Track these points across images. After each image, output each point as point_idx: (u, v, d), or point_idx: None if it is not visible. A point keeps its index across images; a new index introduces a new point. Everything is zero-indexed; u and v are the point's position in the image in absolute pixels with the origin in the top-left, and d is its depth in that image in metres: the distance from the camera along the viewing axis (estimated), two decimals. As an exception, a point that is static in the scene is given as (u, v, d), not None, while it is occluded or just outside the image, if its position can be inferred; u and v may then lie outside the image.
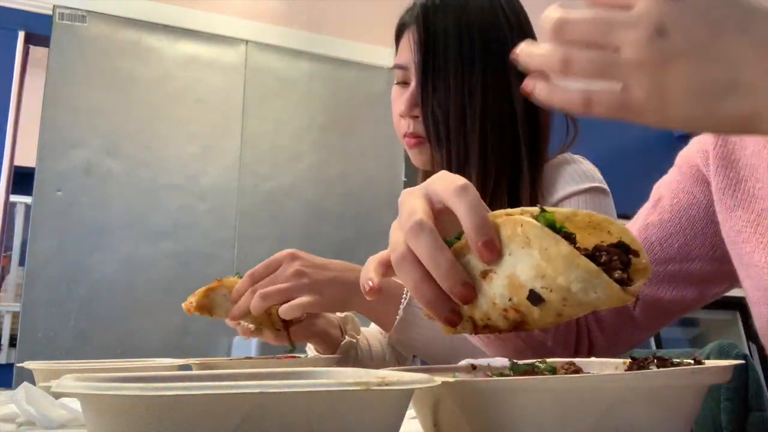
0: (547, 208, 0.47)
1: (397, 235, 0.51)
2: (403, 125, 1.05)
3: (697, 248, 0.83)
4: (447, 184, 0.50)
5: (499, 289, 0.46)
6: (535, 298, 0.44)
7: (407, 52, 1.03)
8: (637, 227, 0.86)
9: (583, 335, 0.83)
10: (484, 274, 0.47)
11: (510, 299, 0.45)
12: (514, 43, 0.48)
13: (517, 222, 0.45)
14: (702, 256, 0.82)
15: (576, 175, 0.99)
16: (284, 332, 1.04)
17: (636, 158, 4.08)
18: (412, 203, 0.51)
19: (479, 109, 0.99)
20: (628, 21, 0.43)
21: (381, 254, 0.53)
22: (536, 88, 0.48)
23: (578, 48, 0.45)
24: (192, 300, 0.99)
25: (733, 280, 0.79)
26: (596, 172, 1.01)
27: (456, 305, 0.48)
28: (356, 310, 1.04)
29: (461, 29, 1.00)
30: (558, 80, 0.47)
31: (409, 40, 1.03)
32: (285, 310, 0.95)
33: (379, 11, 3.52)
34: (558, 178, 1.00)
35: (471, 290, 0.47)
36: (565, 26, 0.46)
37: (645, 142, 4.19)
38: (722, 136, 0.78)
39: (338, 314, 1.14)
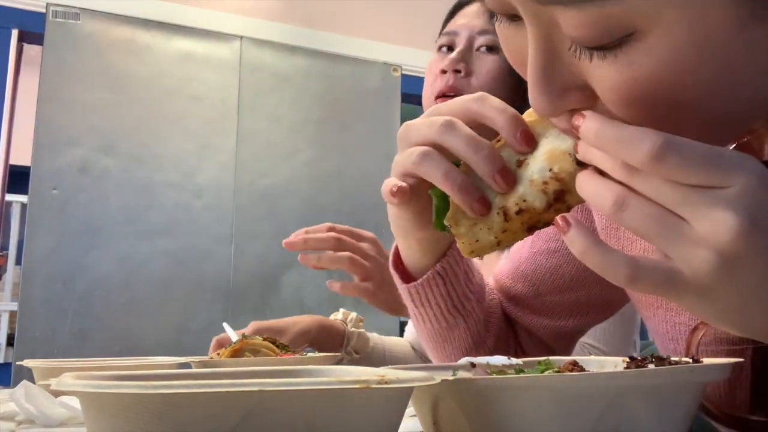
0: None
1: (407, 151, 0.50)
2: (440, 82, 1.08)
3: (591, 274, 0.78)
4: (462, 98, 0.50)
5: (537, 165, 0.46)
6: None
7: (468, 22, 1.10)
8: (525, 255, 0.83)
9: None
10: (519, 164, 0.48)
11: (550, 169, 0.45)
12: None
13: None
14: (598, 280, 0.79)
15: None
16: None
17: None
18: (423, 120, 0.51)
19: None
20: (717, 197, 0.37)
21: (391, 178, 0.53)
22: (571, 238, 0.40)
23: (642, 196, 0.39)
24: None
25: None
26: None
27: (484, 194, 0.48)
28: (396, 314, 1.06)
29: None
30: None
31: (476, 13, 1.10)
32: (345, 288, 1.00)
33: (374, 6, 3.51)
34: None
35: (511, 175, 0.47)
36: (636, 177, 0.39)
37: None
38: None
39: (349, 329, 1.15)
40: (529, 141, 0.47)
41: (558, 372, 0.49)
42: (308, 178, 3.11)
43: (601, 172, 0.41)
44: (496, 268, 0.87)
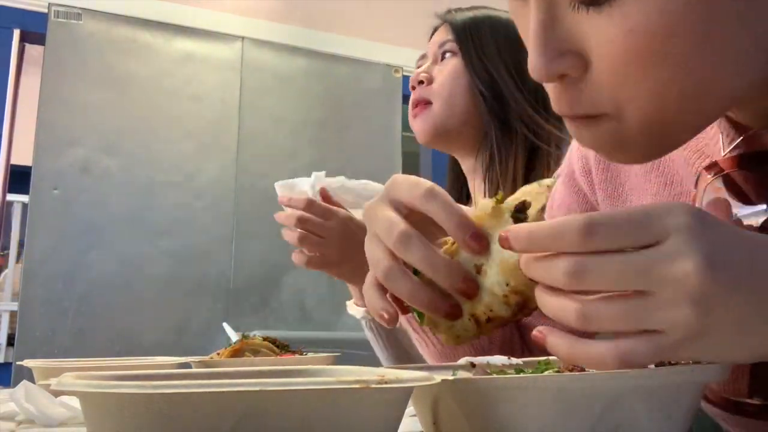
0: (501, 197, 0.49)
1: (375, 250, 0.51)
2: (412, 96, 1.18)
3: None
4: (412, 191, 0.50)
5: (495, 278, 0.47)
6: None
7: (433, 43, 1.19)
8: None
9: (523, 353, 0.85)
10: (478, 269, 0.48)
11: (507, 284, 0.46)
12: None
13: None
14: None
15: None
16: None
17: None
18: (383, 215, 0.51)
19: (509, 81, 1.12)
20: (666, 254, 0.38)
21: (370, 279, 0.52)
22: (552, 345, 0.42)
23: (597, 300, 0.40)
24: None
25: None
26: None
27: (454, 301, 0.48)
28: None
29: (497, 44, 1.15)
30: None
31: (439, 32, 1.19)
32: (296, 260, 1.06)
33: (376, 8, 3.52)
34: None
35: (473, 284, 0.47)
36: (582, 276, 0.40)
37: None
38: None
39: None
40: (480, 241, 0.47)
41: (558, 372, 0.49)
42: (309, 179, 3.10)
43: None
44: None
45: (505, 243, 0.42)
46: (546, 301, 0.42)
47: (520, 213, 0.48)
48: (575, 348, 0.41)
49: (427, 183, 0.50)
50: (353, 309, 1.15)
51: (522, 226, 0.42)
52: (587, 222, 0.39)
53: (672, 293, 0.38)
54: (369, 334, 1.17)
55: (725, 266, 0.38)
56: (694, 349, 0.40)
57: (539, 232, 0.41)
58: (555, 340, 0.42)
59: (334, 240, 1.03)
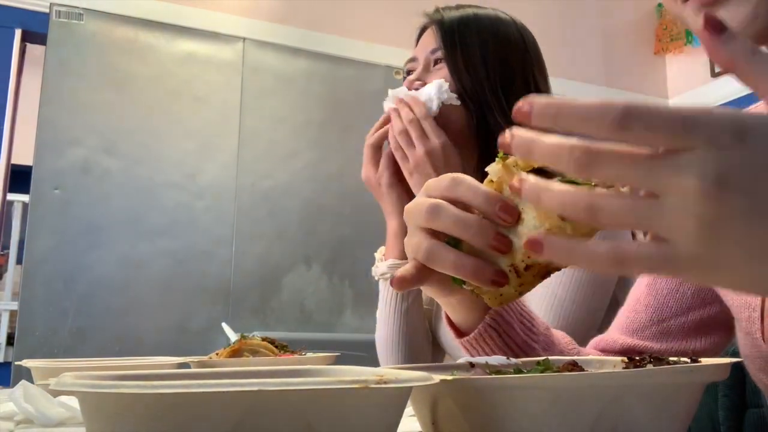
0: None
1: (413, 237, 0.54)
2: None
3: (709, 290, 0.82)
4: (439, 184, 0.53)
5: (531, 222, 0.48)
6: None
7: (422, 46, 1.21)
8: (644, 285, 0.85)
9: None
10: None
11: (544, 226, 0.47)
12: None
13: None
14: (717, 297, 0.81)
15: None
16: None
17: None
18: (415, 203, 0.54)
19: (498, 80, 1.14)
20: (680, 164, 0.35)
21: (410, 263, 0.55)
22: (549, 247, 0.40)
23: (606, 192, 0.38)
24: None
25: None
26: None
27: (498, 267, 0.49)
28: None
29: (483, 44, 1.15)
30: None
31: (428, 35, 1.20)
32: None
33: (377, 9, 3.52)
34: None
35: (506, 239, 0.49)
36: (593, 161, 0.37)
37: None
38: None
39: None
40: (511, 211, 0.48)
41: (557, 372, 0.49)
42: (309, 180, 3.11)
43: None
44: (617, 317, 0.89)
45: (521, 116, 0.39)
46: (557, 190, 0.39)
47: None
48: (575, 245, 0.39)
49: (450, 174, 0.53)
50: (382, 266, 1.17)
51: (552, 100, 0.38)
52: (625, 113, 0.36)
53: (677, 201, 0.35)
54: (385, 306, 1.16)
55: (742, 191, 0.34)
56: (700, 274, 0.37)
57: (570, 108, 0.38)
58: (553, 246, 0.40)
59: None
